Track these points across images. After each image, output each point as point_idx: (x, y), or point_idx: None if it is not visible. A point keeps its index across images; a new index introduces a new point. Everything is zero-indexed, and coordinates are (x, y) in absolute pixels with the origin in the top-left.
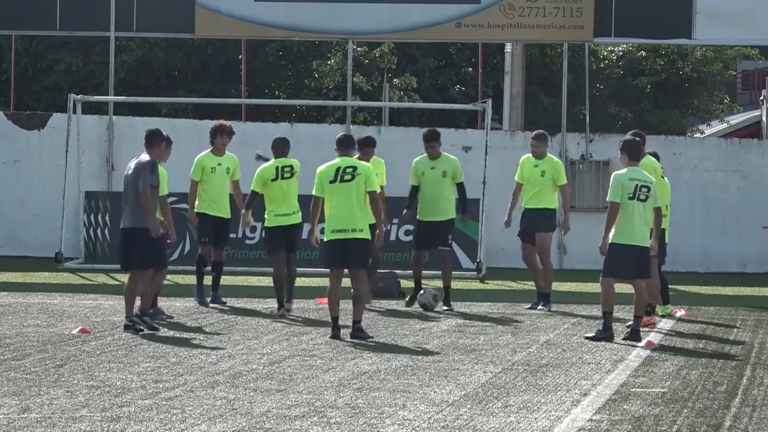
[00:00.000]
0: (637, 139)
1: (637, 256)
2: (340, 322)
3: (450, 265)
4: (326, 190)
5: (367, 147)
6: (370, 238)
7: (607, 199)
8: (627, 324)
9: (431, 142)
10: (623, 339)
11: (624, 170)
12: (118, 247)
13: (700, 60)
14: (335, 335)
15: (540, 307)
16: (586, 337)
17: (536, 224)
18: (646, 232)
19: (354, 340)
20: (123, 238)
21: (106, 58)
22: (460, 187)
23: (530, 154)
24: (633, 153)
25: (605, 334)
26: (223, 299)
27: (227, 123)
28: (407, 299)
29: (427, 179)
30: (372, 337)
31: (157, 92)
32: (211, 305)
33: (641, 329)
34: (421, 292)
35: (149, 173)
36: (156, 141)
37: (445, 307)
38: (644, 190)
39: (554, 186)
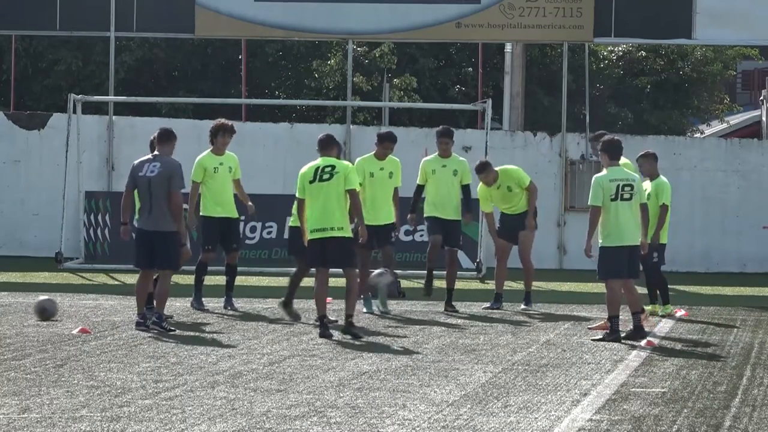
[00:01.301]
0: (616, 138)
1: (628, 256)
2: (340, 323)
3: (456, 266)
4: (306, 191)
5: (387, 142)
6: (350, 236)
7: (588, 203)
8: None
9: (445, 137)
10: (624, 338)
11: (604, 172)
12: (138, 247)
13: (700, 60)
14: (323, 334)
15: (523, 307)
16: (594, 340)
17: (519, 225)
18: (635, 230)
19: (348, 338)
20: (146, 240)
21: (106, 58)
22: (466, 188)
23: (482, 184)
24: (614, 153)
25: (612, 337)
26: (236, 305)
27: (228, 122)
28: (424, 288)
29: (438, 177)
30: (362, 337)
31: (157, 92)
32: (224, 309)
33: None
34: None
35: (180, 179)
36: (172, 139)
37: (448, 308)
38: (627, 188)
39: (522, 191)
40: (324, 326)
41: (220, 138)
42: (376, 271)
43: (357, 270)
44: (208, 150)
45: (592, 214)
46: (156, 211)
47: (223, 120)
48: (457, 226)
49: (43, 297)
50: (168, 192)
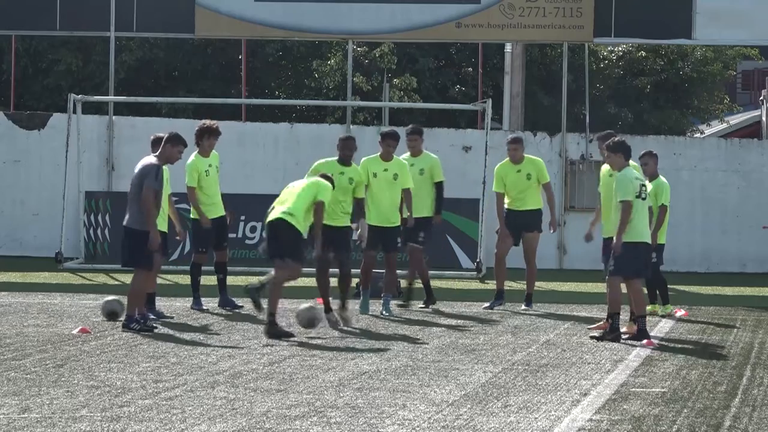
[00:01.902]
0: (624, 139)
1: (643, 253)
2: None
3: (419, 264)
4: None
5: (389, 140)
6: (297, 229)
7: (620, 199)
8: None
9: (413, 135)
10: (629, 339)
11: (625, 170)
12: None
13: (700, 60)
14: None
15: (523, 307)
16: (592, 337)
17: (525, 224)
18: (648, 229)
19: (347, 339)
20: (123, 236)
21: (106, 58)
22: (438, 186)
23: (508, 159)
24: (629, 154)
25: (612, 336)
26: (237, 303)
27: (214, 123)
28: (424, 301)
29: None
30: (292, 336)
31: (157, 92)
32: (221, 308)
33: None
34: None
35: (152, 178)
36: (160, 143)
37: (400, 303)
38: (644, 189)
39: (538, 186)
40: (270, 324)
41: (206, 141)
42: (305, 305)
43: (284, 262)
44: (195, 153)
45: (625, 210)
46: (129, 208)
47: (209, 122)
48: (421, 223)
49: (110, 298)
50: (139, 191)
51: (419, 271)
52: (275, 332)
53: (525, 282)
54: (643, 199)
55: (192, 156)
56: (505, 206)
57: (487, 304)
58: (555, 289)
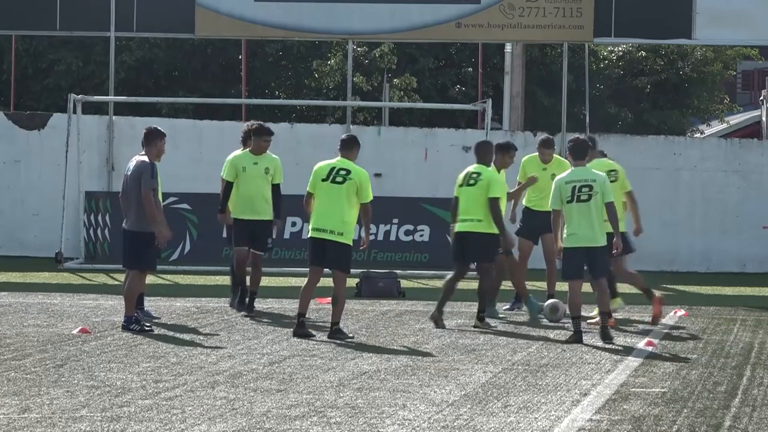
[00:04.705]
0: (580, 138)
1: (583, 257)
2: (343, 326)
3: (259, 270)
4: (317, 188)
5: (510, 150)
6: (348, 242)
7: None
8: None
9: (264, 135)
10: (567, 341)
11: (564, 173)
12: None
13: (700, 60)
14: (297, 333)
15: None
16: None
17: (542, 225)
18: (593, 231)
19: (348, 339)
20: (123, 239)
21: (106, 58)
22: (276, 188)
23: (529, 158)
24: (576, 153)
25: (575, 338)
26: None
27: (265, 124)
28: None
29: (247, 175)
30: (351, 337)
31: (157, 92)
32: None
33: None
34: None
35: (148, 178)
36: (151, 139)
37: (249, 312)
38: (585, 189)
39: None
40: (301, 325)
41: (263, 141)
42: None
43: (344, 275)
44: (246, 149)
45: (552, 218)
46: (128, 210)
47: (259, 123)
48: (264, 226)
49: None
50: (137, 192)
51: (252, 275)
52: (339, 336)
53: (527, 282)
54: (583, 201)
55: (239, 150)
56: (523, 203)
57: (507, 306)
58: (555, 289)
